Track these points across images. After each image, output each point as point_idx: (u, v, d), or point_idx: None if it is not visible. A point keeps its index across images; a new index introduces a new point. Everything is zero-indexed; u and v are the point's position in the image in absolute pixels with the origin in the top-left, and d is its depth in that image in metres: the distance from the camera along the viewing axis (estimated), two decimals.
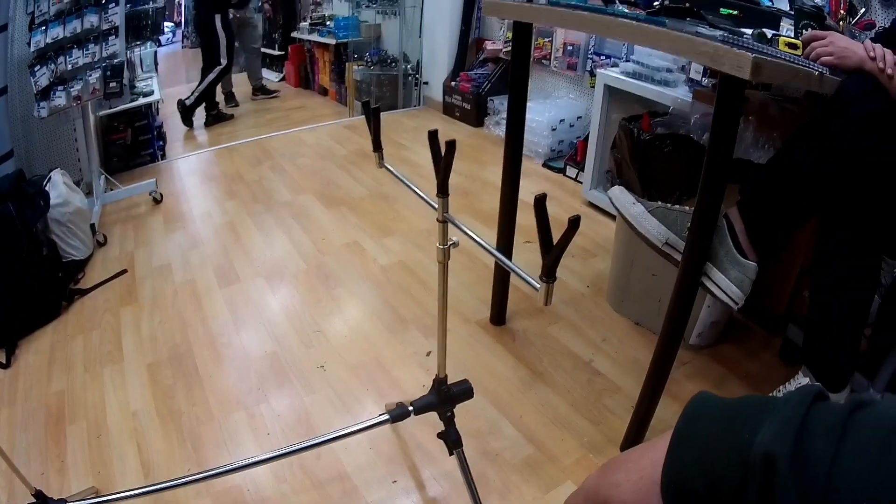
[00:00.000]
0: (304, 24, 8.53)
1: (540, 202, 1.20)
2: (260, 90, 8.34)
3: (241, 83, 8.20)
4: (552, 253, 1.26)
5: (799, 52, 1.95)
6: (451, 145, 1.62)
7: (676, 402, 2.65)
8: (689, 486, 0.61)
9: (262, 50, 9.26)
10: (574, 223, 1.16)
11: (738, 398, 0.65)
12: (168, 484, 2.06)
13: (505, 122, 2.84)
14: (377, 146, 2.01)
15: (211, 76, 6.85)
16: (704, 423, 0.64)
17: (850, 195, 1.91)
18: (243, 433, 2.56)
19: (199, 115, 7.11)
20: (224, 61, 6.88)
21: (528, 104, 2.80)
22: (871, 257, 2.04)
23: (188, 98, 6.86)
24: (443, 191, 1.75)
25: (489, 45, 6.43)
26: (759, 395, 0.62)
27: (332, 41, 7.76)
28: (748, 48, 1.70)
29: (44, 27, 3.92)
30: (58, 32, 3.95)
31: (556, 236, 1.24)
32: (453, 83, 6.66)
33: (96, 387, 2.85)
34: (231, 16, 7.03)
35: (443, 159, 1.68)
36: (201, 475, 2.05)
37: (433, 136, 1.71)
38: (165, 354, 3.05)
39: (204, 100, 7.01)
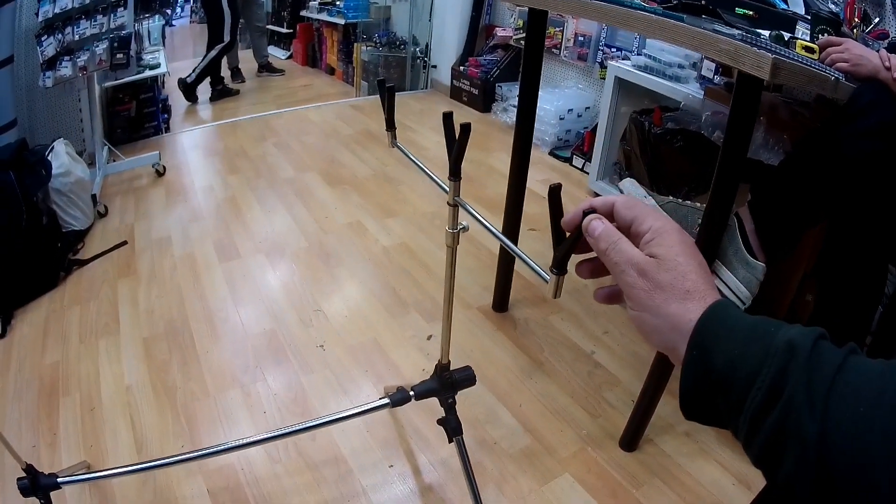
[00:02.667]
0: (314, 3, 8.48)
1: (555, 192, 1.17)
2: (265, 67, 8.29)
3: (247, 59, 8.16)
4: (564, 245, 1.22)
5: (815, 56, 1.94)
6: (466, 128, 1.59)
7: (677, 399, 2.64)
8: (709, 363, 0.65)
9: (271, 27, 9.22)
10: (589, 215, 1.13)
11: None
12: (160, 462, 2.03)
13: (512, 108, 2.81)
14: (391, 125, 1.97)
15: (212, 53, 6.81)
16: (733, 311, 0.68)
17: (858, 201, 1.91)
18: (238, 411, 2.54)
19: (205, 89, 7.08)
20: (227, 38, 6.83)
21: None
22: (877, 265, 2.04)
23: (189, 76, 6.82)
24: (455, 174, 1.72)
25: (499, 32, 6.37)
26: None
27: (342, 21, 7.73)
28: (767, 49, 1.68)
29: None
30: (66, 3, 3.92)
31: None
32: (462, 68, 6.62)
33: (91, 359, 2.83)
34: None
35: (456, 142, 1.65)
36: (194, 454, 2.02)
37: (448, 117, 1.68)
38: (162, 328, 3.03)
39: (205, 77, 6.97)
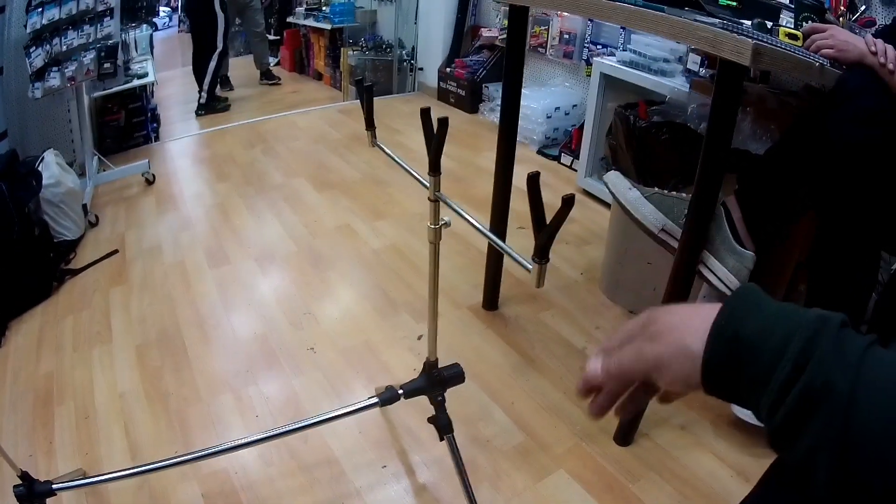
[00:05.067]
0: (300, 10, 8.50)
1: (533, 179, 1.18)
2: (265, 75, 8.27)
3: (237, 66, 8.15)
4: (544, 232, 1.24)
5: (799, 43, 1.94)
6: (444, 122, 1.61)
7: None
8: (739, 330, 0.65)
9: None
10: (568, 202, 1.14)
11: None
12: (154, 466, 2.03)
13: (499, 108, 2.82)
14: (370, 124, 1.98)
15: (212, 65, 6.77)
16: (761, 293, 0.69)
17: (847, 188, 1.91)
18: (231, 415, 2.54)
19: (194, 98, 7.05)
20: (220, 45, 6.80)
21: (524, 91, 2.79)
22: (869, 252, 2.04)
23: (200, 97, 6.85)
24: (434, 169, 1.73)
25: (485, 33, 6.39)
26: None
27: (328, 26, 7.74)
28: (748, 36, 1.68)
29: (40, 9, 3.89)
30: (54, 13, 3.92)
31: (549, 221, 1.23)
32: (448, 69, 6.65)
33: (85, 368, 2.83)
34: None
35: (435, 137, 1.66)
36: (187, 457, 2.03)
37: (426, 112, 1.69)
38: (154, 335, 3.03)
39: (215, 88, 6.98)
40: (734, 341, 0.65)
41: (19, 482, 1.85)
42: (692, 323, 0.70)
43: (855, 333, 0.61)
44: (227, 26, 6.83)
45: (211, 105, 6.88)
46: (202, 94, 6.84)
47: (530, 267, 1.30)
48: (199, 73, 6.86)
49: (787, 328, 0.62)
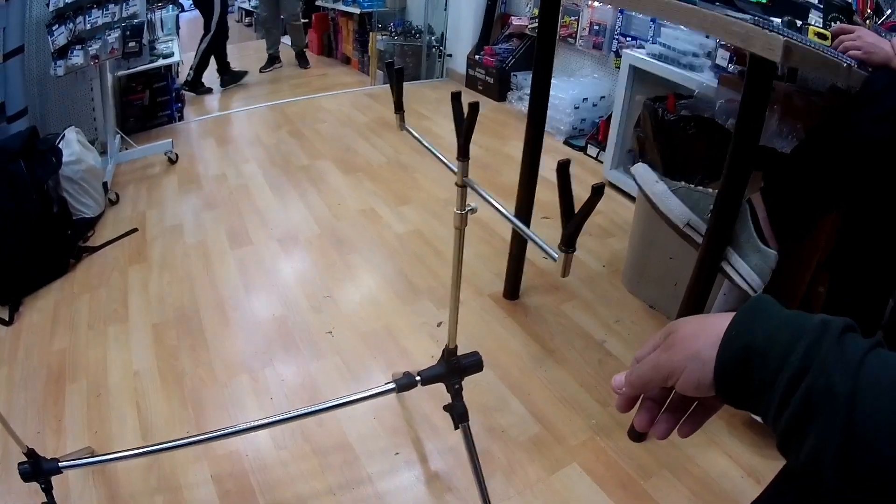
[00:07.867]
0: None
1: (563, 167, 1.16)
2: (300, 56, 8.28)
3: (263, 49, 8.15)
4: (573, 221, 1.21)
5: (828, 42, 1.92)
6: (475, 107, 1.58)
7: None
8: (748, 339, 0.68)
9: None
10: (598, 191, 1.12)
11: None
12: (164, 445, 2.02)
13: (527, 97, 2.79)
14: (399, 107, 1.95)
15: (202, 46, 6.82)
16: (772, 303, 0.72)
17: (871, 188, 1.89)
18: (246, 397, 2.54)
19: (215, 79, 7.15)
20: (213, 28, 6.81)
21: (553, 81, 2.76)
22: (890, 255, 2.01)
23: (188, 74, 6.89)
24: (463, 154, 1.71)
25: (515, 21, 6.37)
26: None
27: (357, 10, 7.69)
28: (779, 32, 1.66)
29: None
30: None
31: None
32: (477, 57, 6.61)
33: (99, 346, 2.83)
34: None
35: (465, 121, 1.63)
36: (199, 438, 2.01)
37: (456, 97, 1.66)
38: (172, 315, 3.02)
39: (202, 70, 6.98)
40: (744, 349, 0.68)
41: (24, 459, 1.84)
42: (704, 333, 0.74)
43: (858, 337, 0.63)
44: (223, 11, 6.85)
45: (195, 85, 6.93)
46: (189, 72, 6.88)
47: (556, 256, 1.27)
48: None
49: (792, 335, 0.64)
